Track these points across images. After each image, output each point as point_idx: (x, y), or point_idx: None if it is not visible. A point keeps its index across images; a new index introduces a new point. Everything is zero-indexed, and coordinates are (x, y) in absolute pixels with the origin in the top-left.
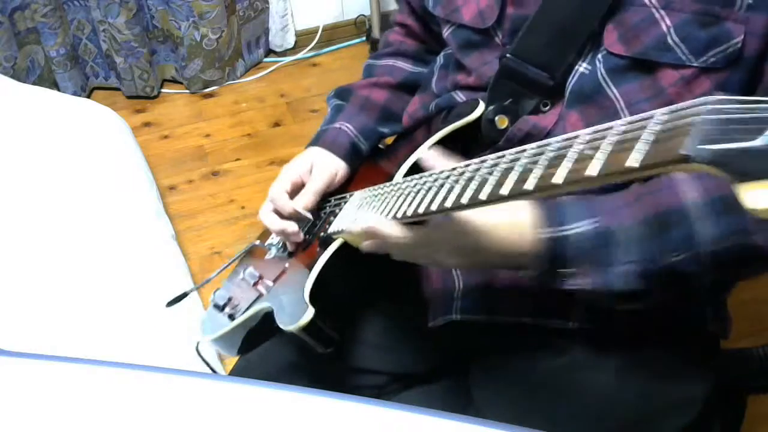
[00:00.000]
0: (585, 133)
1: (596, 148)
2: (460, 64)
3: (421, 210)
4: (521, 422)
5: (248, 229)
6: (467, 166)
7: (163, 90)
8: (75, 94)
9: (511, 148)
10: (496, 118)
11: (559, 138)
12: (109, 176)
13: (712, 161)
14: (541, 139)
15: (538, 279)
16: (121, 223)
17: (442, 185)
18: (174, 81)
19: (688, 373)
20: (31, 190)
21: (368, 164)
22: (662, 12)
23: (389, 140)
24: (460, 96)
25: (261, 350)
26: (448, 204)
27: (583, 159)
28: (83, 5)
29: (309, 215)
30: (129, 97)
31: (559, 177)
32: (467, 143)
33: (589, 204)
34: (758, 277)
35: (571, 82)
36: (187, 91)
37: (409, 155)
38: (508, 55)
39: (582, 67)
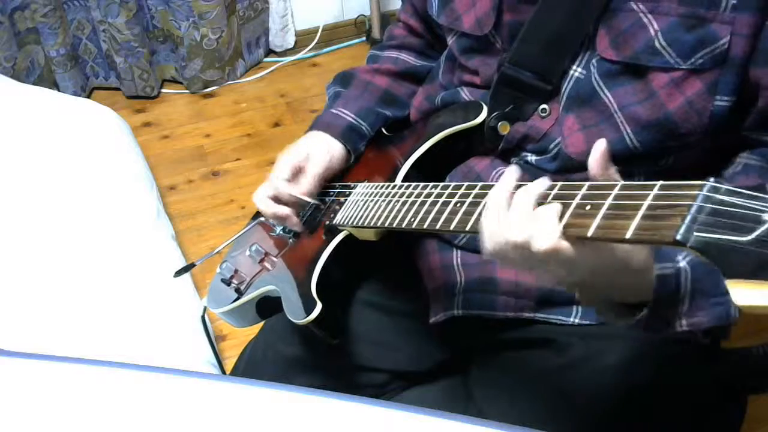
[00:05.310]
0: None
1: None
2: (464, 65)
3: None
4: (522, 421)
5: None
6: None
7: (163, 90)
8: (75, 94)
9: (510, 149)
10: (498, 125)
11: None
12: (109, 176)
13: (704, 250)
14: (538, 141)
15: (651, 326)
16: (121, 223)
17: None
18: (174, 81)
19: (688, 373)
20: (31, 190)
21: (374, 151)
22: (650, 16)
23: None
24: (466, 93)
25: (263, 348)
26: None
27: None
28: (83, 5)
29: (311, 200)
30: (129, 97)
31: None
32: (468, 142)
33: None
34: None
35: (568, 86)
36: (187, 91)
37: (414, 147)
38: (506, 63)
39: (577, 72)
